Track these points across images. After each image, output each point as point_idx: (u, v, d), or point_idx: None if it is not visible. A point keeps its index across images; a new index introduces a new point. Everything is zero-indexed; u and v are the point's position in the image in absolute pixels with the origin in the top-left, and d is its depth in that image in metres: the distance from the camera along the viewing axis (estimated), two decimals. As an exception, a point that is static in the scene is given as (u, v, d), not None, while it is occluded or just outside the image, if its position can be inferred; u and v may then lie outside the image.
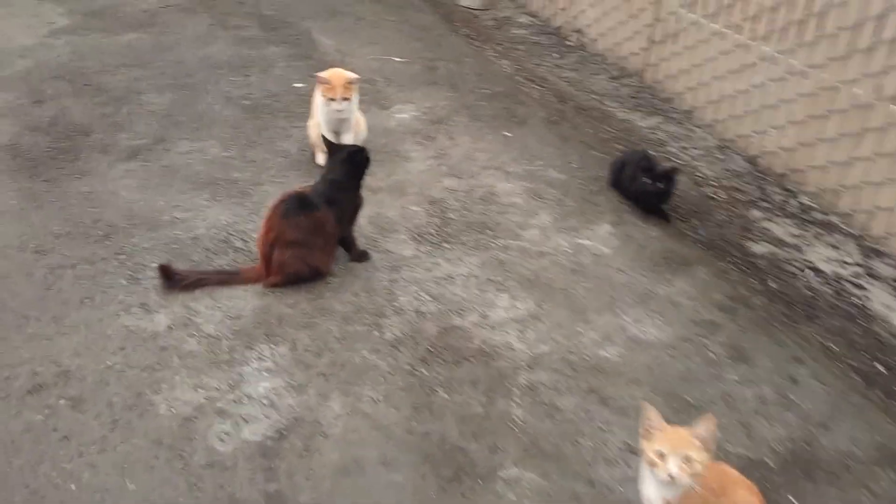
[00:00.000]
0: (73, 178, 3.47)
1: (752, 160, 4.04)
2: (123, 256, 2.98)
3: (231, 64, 4.80)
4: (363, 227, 3.24)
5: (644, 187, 3.41)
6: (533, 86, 4.82)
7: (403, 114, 4.31)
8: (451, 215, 3.37)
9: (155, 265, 2.88)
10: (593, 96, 4.77)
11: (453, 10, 6.12)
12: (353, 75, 3.47)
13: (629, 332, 2.76)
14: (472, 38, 5.60)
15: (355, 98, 3.51)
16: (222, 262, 2.99)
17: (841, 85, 3.45)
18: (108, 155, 3.70)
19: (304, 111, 4.05)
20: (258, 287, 2.85)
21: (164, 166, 3.63)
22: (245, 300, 2.80)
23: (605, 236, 3.30)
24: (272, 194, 3.40)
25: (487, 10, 6.23)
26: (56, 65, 4.69)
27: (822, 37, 3.50)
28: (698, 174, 3.90)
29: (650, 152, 3.73)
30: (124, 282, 2.85)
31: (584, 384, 2.52)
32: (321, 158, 3.59)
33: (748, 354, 2.70)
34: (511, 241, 3.22)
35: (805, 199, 3.77)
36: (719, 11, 4.10)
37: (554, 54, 5.39)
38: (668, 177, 3.42)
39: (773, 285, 3.16)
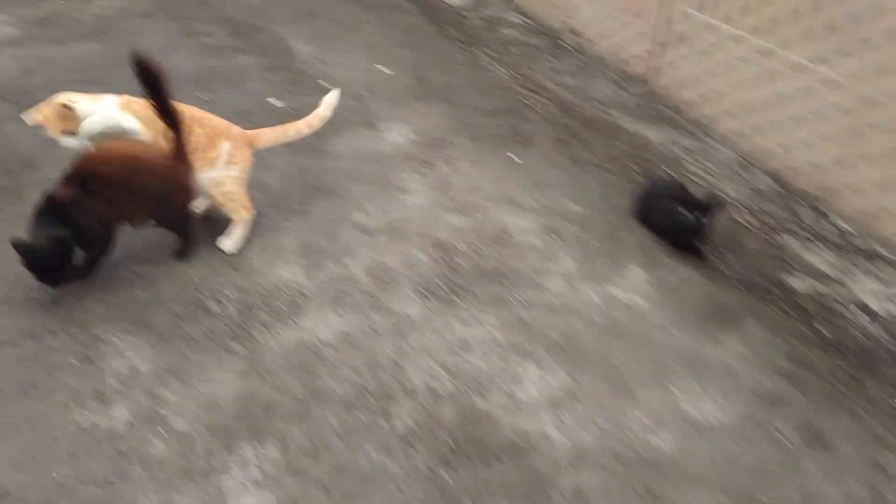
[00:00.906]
0: (15, 223, 2.94)
1: (777, 177, 3.65)
2: (74, 328, 2.48)
3: (197, 77, 4.27)
4: (359, 278, 2.78)
5: (680, 221, 2.99)
6: (534, 97, 4.37)
7: (395, 135, 3.84)
8: (461, 262, 2.92)
9: (114, 338, 2.40)
10: (597, 105, 4.35)
11: (438, 10, 5.64)
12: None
13: (683, 411, 2.34)
14: (461, 42, 5.13)
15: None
16: (194, 332, 2.50)
17: (884, 99, 3.06)
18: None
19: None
20: (238, 365, 2.38)
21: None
22: (223, 382, 2.32)
23: (639, 284, 2.87)
24: (251, 240, 2.92)
25: (474, 9, 5.77)
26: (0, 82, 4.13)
27: (861, 45, 3.10)
28: (721, 194, 3.50)
29: (675, 179, 3.31)
30: (75, 361, 2.36)
31: (638, 484, 2.10)
32: None
33: (823, 436, 2.29)
34: (532, 294, 2.78)
35: (841, 223, 3.39)
36: (736, 13, 3.69)
37: (550, 58, 4.96)
38: (707, 207, 3.01)
39: (826, 333, 2.77)
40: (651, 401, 2.36)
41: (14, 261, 2.57)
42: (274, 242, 2.95)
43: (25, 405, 2.21)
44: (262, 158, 3.49)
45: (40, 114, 2.75)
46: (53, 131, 2.76)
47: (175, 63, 4.38)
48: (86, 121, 2.76)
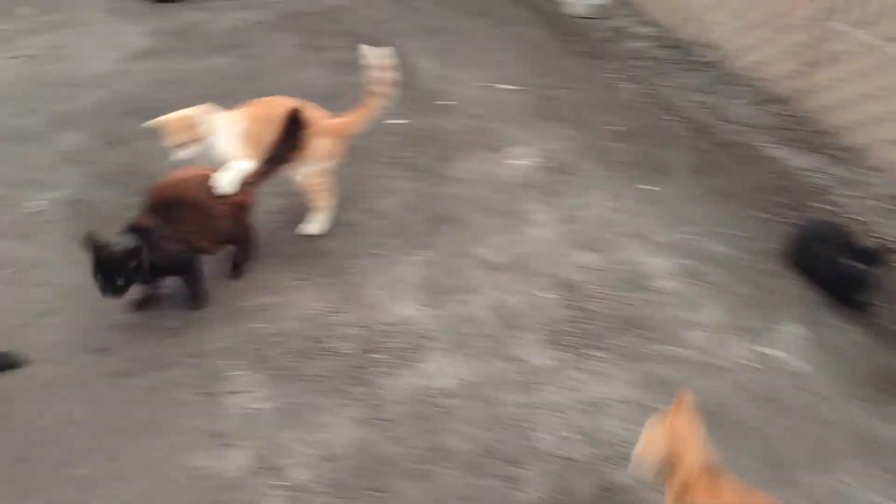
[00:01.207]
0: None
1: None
2: (195, 359, 2.44)
3: (325, 93, 4.23)
4: (483, 319, 2.61)
5: (846, 272, 2.65)
6: (668, 118, 4.07)
7: (519, 159, 3.65)
8: (593, 306, 2.70)
9: (235, 373, 2.34)
10: (737, 128, 4.00)
11: (562, 22, 5.40)
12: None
13: (852, 501, 2.03)
14: (587, 56, 4.87)
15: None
16: (314, 371, 2.41)
17: None
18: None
19: (407, 156, 3.47)
20: (357, 411, 2.27)
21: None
22: (342, 430, 2.21)
23: (797, 343, 2.56)
24: (371, 273, 2.82)
25: (600, 19, 5.49)
26: (133, 97, 4.25)
27: None
28: (878, 233, 3.09)
29: (836, 221, 2.95)
30: (195, 397, 2.31)
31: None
32: None
33: None
34: (673, 348, 2.52)
35: None
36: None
37: (682, 73, 4.62)
38: (875, 257, 2.66)
39: None
40: (816, 491, 2.06)
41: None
42: (394, 276, 2.83)
43: (144, 443, 2.17)
44: (382, 183, 3.40)
45: (166, 121, 2.77)
46: (172, 140, 2.76)
47: (304, 80, 4.38)
48: (216, 139, 2.79)
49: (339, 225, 3.12)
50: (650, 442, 1.73)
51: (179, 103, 3.88)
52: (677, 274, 2.86)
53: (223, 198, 2.59)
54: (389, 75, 2.96)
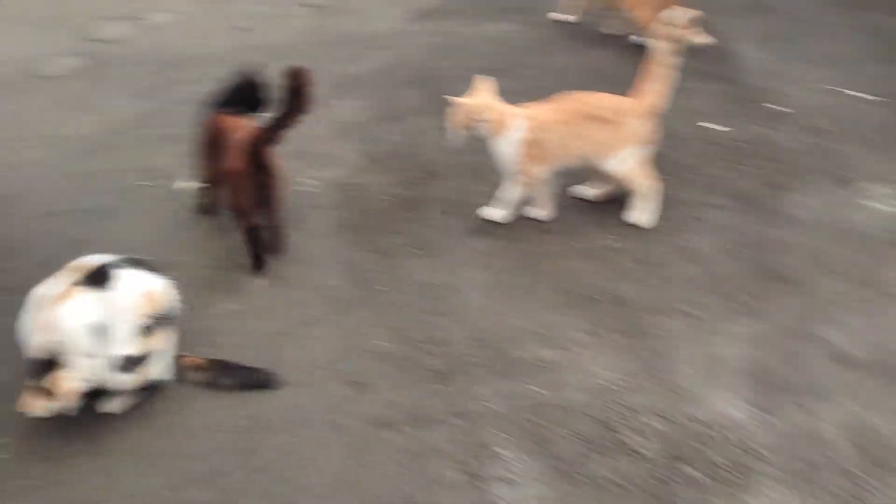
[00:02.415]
0: (413, 257, 2.61)
1: None
2: (461, 421, 2.02)
3: (622, 80, 3.61)
4: (836, 445, 1.91)
5: None
6: None
7: (880, 202, 2.78)
8: None
9: (505, 452, 1.90)
10: None
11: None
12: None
13: None
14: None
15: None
16: (604, 472, 1.88)
17: None
18: (455, 220, 2.78)
19: (728, 178, 2.79)
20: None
21: (520, 249, 2.62)
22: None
23: None
24: (679, 339, 2.21)
25: None
26: (413, 63, 3.93)
27: None
28: None
29: None
30: (457, 475, 1.89)
31: None
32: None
33: None
34: None
35: None
36: None
37: None
38: None
39: None
40: None
41: (415, 322, 2.21)
42: (711, 350, 2.20)
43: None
44: (696, 212, 2.72)
45: (464, 105, 2.52)
46: (459, 124, 2.53)
47: (596, 59, 3.78)
48: (500, 139, 2.54)
49: (638, 262, 2.53)
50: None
51: (456, 75, 3.49)
52: None
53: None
54: (680, 39, 2.61)
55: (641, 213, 2.66)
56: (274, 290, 2.46)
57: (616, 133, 2.52)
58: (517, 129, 2.51)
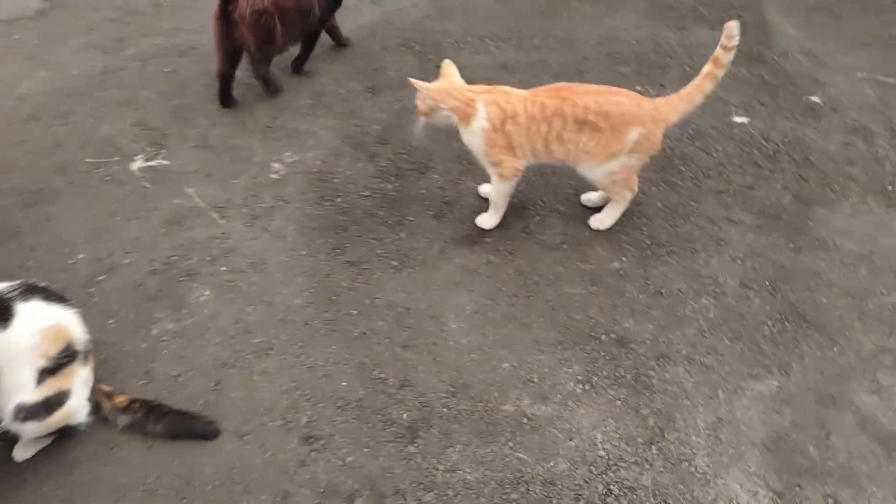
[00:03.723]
0: (390, 271, 2.25)
1: None
2: (428, 497, 1.71)
3: (640, 52, 3.18)
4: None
5: None
6: None
7: (934, 227, 2.41)
8: None
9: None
10: None
11: None
12: None
13: None
14: None
15: None
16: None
17: None
18: (442, 225, 2.41)
19: (750, 186, 2.42)
20: None
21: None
22: None
23: None
24: (688, 397, 1.89)
25: None
26: (406, 23, 3.48)
27: None
28: None
29: None
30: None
31: None
32: None
33: None
34: None
35: None
36: None
37: None
38: None
39: None
40: None
41: (387, 360, 1.88)
42: (726, 416, 1.87)
43: None
44: (709, 228, 2.36)
45: (428, 89, 2.19)
46: (425, 107, 2.22)
47: (615, 29, 3.34)
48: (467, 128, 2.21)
49: (646, 293, 2.18)
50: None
51: (458, 40, 3.08)
52: None
53: None
54: (729, 54, 2.15)
55: (606, 218, 2.37)
56: (222, 305, 2.12)
57: (608, 144, 2.15)
58: (480, 118, 2.15)
